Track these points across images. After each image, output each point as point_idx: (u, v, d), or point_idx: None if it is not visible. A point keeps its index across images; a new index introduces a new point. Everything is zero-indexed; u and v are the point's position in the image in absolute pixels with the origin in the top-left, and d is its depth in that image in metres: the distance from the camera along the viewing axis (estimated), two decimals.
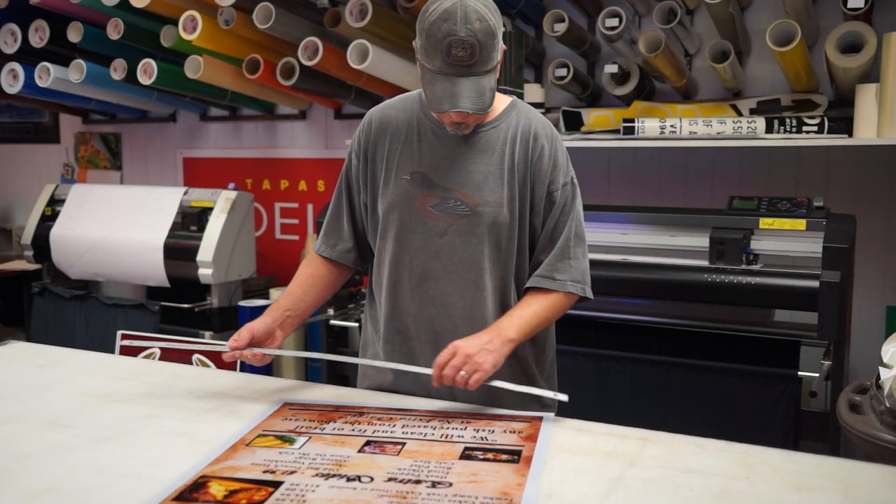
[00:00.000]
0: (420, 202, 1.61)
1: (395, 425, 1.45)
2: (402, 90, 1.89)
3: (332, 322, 3.23)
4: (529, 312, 1.58)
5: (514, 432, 1.42)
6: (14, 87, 3.91)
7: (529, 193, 1.63)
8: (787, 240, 2.56)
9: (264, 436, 1.40)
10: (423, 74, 1.52)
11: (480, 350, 1.47)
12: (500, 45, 1.52)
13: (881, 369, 1.61)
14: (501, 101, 1.67)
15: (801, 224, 2.49)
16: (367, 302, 1.78)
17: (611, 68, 3.13)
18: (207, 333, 3.58)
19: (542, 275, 1.63)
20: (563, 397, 1.50)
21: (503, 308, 1.64)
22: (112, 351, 3.13)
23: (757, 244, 2.58)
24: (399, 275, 1.64)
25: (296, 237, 4.33)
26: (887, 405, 1.53)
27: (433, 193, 1.61)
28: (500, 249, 1.62)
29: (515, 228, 1.63)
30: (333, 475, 1.23)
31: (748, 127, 2.81)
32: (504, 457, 1.30)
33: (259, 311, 3.53)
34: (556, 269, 1.62)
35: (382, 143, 1.67)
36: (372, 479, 1.21)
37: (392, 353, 1.68)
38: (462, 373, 1.45)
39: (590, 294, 1.65)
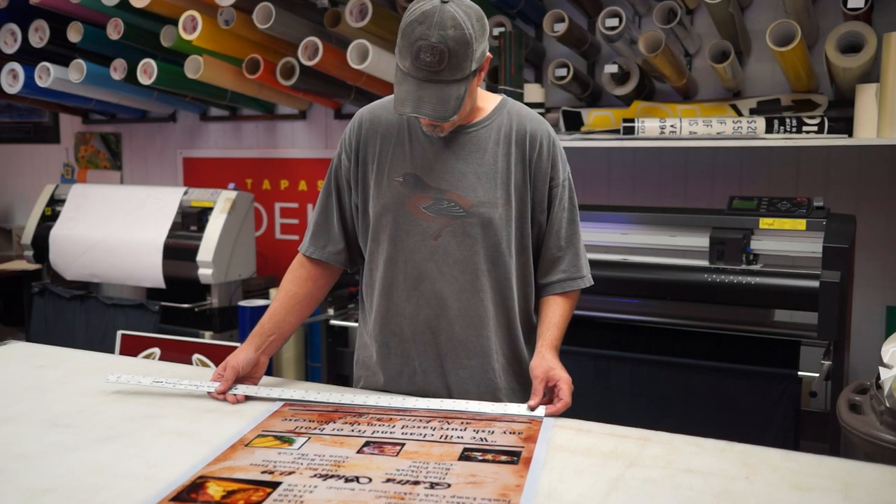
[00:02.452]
0: (413, 204, 1.60)
1: (394, 426, 1.45)
2: None
3: (332, 322, 3.23)
4: (568, 319, 1.67)
5: (514, 433, 1.42)
6: (14, 87, 3.91)
7: (531, 192, 1.63)
8: (787, 240, 2.56)
9: (263, 436, 1.40)
10: (395, 71, 1.51)
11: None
12: (479, 55, 1.49)
13: (881, 369, 1.61)
14: (490, 101, 1.66)
15: (801, 224, 2.49)
16: (359, 305, 1.77)
17: (611, 68, 3.13)
18: (207, 333, 3.58)
19: (572, 276, 1.68)
20: (541, 413, 1.50)
21: (504, 309, 1.64)
22: (112, 351, 3.13)
23: (757, 244, 2.58)
24: (393, 277, 1.63)
25: (296, 237, 4.33)
26: (887, 405, 1.53)
27: (426, 195, 1.60)
28: (498, 250, 1.61)
29: (513, 228, 1.62)
30: (332, 476, 1.23)
31: (748, 127, 2.81)
32: (503, 458, 1.30)
33: (259, 311, 3.53)
34: (579, 268, 1.69)
35: (373, 144, 1.65)
36: (370, 479, 1.21)
37: (388, 356, 1.67)
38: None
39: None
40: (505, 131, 1.62)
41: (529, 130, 1.63)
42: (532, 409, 1.50)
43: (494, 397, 1.64)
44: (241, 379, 1.64)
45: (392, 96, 1.68)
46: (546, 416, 1.48)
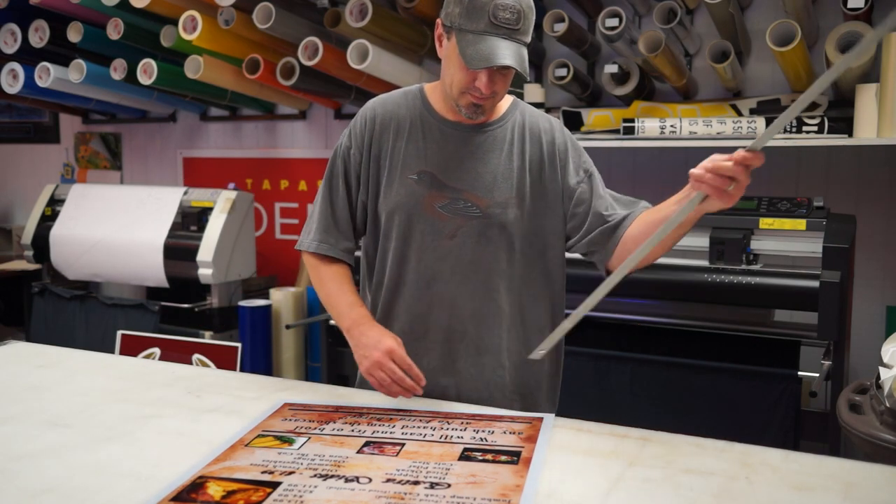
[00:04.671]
0: (428, 203, 1.59)
1: (394, 426, 1.45)
2: None
3: (333, 322, 3.23)
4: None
5: (514, 433, 1.42)
6: (14, 87, 3.91)
7: (561, 187, 1.62)
8: (787, 240, 2.56)
9: (263, 436, 1.40)
10: (459, 38, 1.48)
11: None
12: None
13: (881, 369, 1.61)
14: (505, 100, 1.65)
15: (801, 224, 2.49)
16: (369, 300, 1.73)
17: (611, 68, 3.13)
18: (207, 333, 3.58)
19: (647, 206, 1.61)
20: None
21: (519, 308, 1.63)
22: (112, 351, 3.13)
23: (757, 244, 2.58)
24: (405, 276, 1.62)
25: (296, 237, 4.31)
26: (887, 405, 1.53)
27: (442, 194, 1.59)
28: (514, 251, 1.60)
29: (528, 228, 1.60)
30: (332, 476, 1.23)
31: (748, 127, 2.81)
32: (503, 458, 1.30)
33: (259, 311, 3.53)
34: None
35: (386, 139, 1.63)
36: (370, 479, 1.21)
37: None
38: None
39: None
40: (519, 130, 1.63)
41: (543, 127, 1.65)
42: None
43: (502, 395, 1.63)
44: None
45: (402, 90, 1.69)
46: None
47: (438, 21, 1.55)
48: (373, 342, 1.53)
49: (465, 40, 1.47)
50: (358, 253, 1.74)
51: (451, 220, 1.59)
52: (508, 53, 1.45)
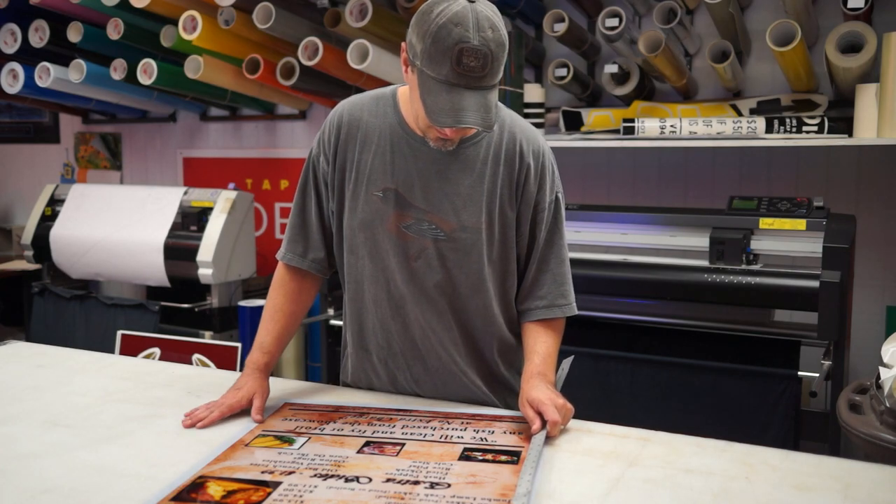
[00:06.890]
0: (393, 222, 1.52)
1: (394, 426, 1.45)
2: None
3: (332, 322, 3.23)
4: (555, 348, 1.57)
5: (514, 433, 1.42)
6: (14, 87, 3.90)
7: (515, 216, 1.55)
8: (787, 240, 2.56)
9: (264, 436, 1.40)
10: (421, 82, 1.36)
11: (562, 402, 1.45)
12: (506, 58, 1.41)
13: (881, 369, 1.61)
14: None
15: (801, 224, 2.49)
16: (346, 309, 1.67)
17: (611, 68, 3.13)
18: (207, 333, 3.58)
19: (548, 305, 1.57)
20: (541, 437, 1.38)
21: (488, 333, 1.59)
22: (112, 351, 3.13)
23: (757, 244, 2.58)
24: (378, 294, 1.57)
25: None
26: (887, 405, 1.53)
27: (406, 214, 1.51)
28: (480, 276, 1.54)
29: (494, 253, 1.54)
30: (332, 476, 1.23)
31: (748, 127, 2.81)
32: (503, 458, 1.30)
33: (259, 311, 3.52)
34: (558, 296, 1.58)
35: (352, 149, 1.55)
36: (370, 479, 1.21)
37: (377, 365, 1.64)
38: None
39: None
40: (494, 149, 1.52)
41: (519, 149, 1.53)
42: (534, 434, 1.40)
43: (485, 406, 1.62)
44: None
45: (375, 94, 1.59)
46: (548, 436, 1.40)
47: (403, 45, 1.42)
48: (241, 387, 1.55)
49: (426, 86, 1.35)
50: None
51: (415, 241, 1.51)
52: (473, 105, 1.33)
